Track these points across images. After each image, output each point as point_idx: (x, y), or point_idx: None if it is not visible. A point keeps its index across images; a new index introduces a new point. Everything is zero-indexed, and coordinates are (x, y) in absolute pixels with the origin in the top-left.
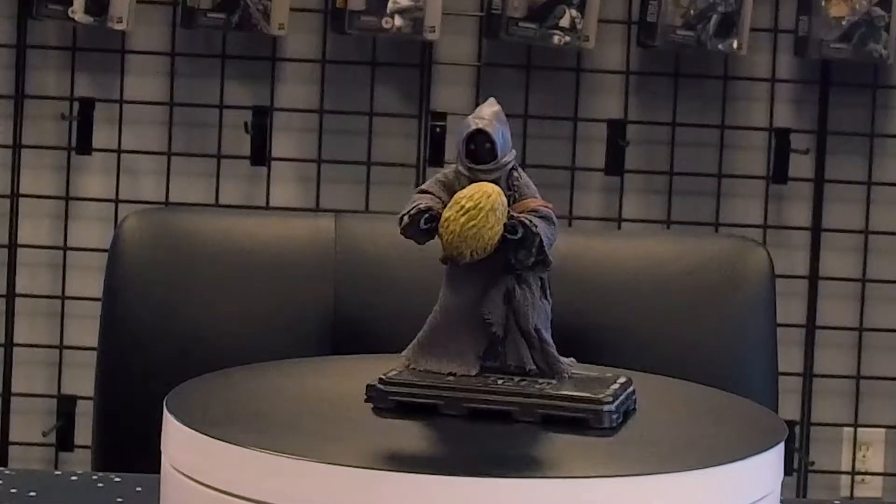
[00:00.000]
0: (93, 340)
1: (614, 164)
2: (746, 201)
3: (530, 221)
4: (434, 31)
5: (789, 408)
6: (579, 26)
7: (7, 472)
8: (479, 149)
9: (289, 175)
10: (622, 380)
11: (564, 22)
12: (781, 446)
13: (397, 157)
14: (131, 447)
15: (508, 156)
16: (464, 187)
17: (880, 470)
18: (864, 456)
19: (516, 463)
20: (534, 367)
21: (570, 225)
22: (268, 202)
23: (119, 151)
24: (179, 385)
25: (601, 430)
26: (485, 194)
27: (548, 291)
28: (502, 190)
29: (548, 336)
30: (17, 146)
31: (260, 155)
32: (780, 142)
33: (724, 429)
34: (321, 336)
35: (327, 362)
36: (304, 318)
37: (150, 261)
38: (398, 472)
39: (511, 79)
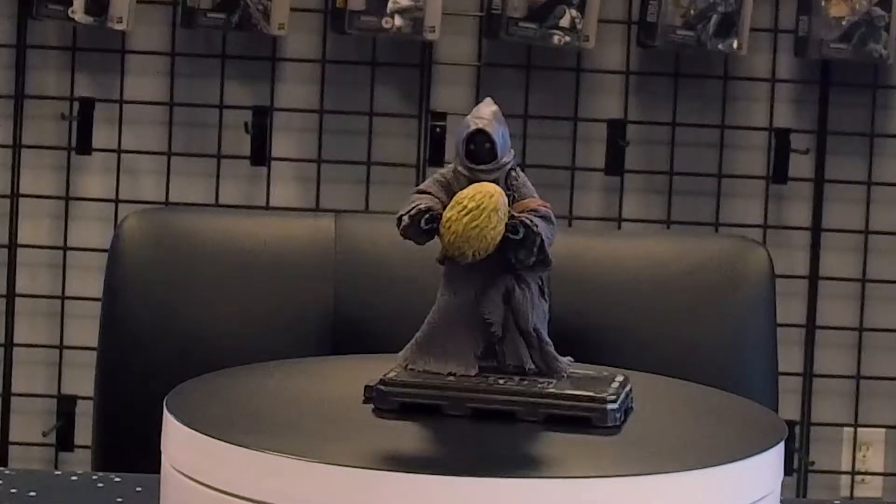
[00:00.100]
0: (93, 340)
1: (614, 164)
2: (746, 201)
3: (531, 221)
4: (434, 31)
5: (789, 408)
6: (579, 26)
7: (7, 472)
8: (479, 149)
9: (289, 175)
10: (619, 378)
11: (564, 22)
12: (781, 446)
13: (397, 157)
14: (131, 447)
15: (507, 156)
16: (463, 187)
17: (880, 470)
18: (864, 456)
19: (516, 463)
20: (533, 366)
21: (570, 225)
22: (268, 202)
23: (119, 151)
24: (179, 385)
25: (604, 430)
26: (487, 194)
27: (545, 291)
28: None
29: (546, 335)
30: (17, 146)
31: (260, 155)
32: (780, 142)
33: (724, 429)
34: (321, 336)
35: (327, 362)
36: (304, 318)
37: (150, 261)
38: (398, 472)
39: (511, 79)
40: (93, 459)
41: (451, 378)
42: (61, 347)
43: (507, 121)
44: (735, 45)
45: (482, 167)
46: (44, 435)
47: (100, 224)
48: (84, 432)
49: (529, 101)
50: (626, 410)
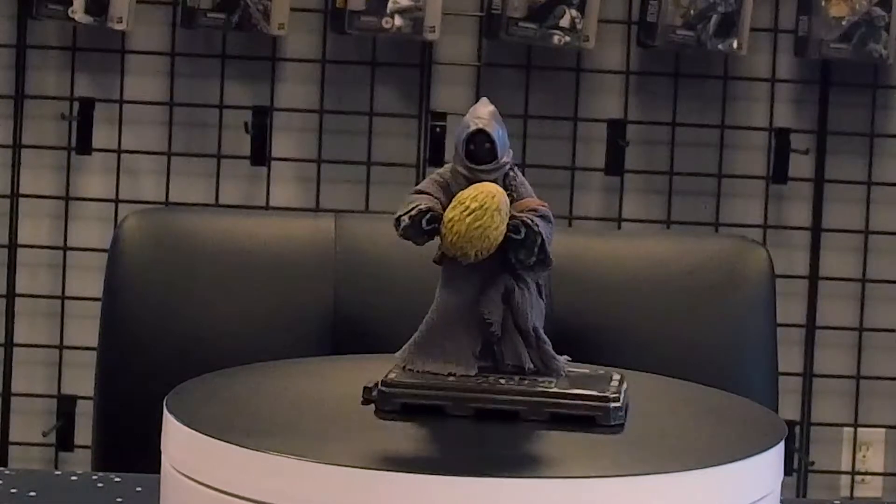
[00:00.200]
0: (93, 340)
1: (614, 164)
2: (746, 201)
3: (532, 221)
4: (434, 31)
5: (789, 408)
6: (579, 26)
7: (7, 472)
8: (479, 149)
9: (289, 175)
10: (617, 377)
11: (564, 22)
12: (781, 446)
13: (397, 157)
14: (131, 447)
15: (507, 156)
16: (462, 187)
17: (880, 470)
18: (864, 456)
19: (517, 463)
20: (531, 365)
21: (570, 225)
22: (268, 202)
23: (119, 151)
24: (179, 385)
25: (607, 428)
26: (489, 195)
27: (543, 291)
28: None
29: (544, 335)
30: (17, 146)
31: (260, 155)
32: (780, 142)
33: (724, 429)
34: (321, 336)
35: (327, 362)
36: (304, 318)
37: (150, 261)
38: (398, 472)
39: (511, 79)
40: (93, 459)
41: (452, 378)
42: (61, 347)
43: (507, 121)
44: (735, 45)
45: (483, 167)
46: (44, 435)
47: (100, 224)
48: (84, 432)
49: (529, 101)
50: (626, 409)
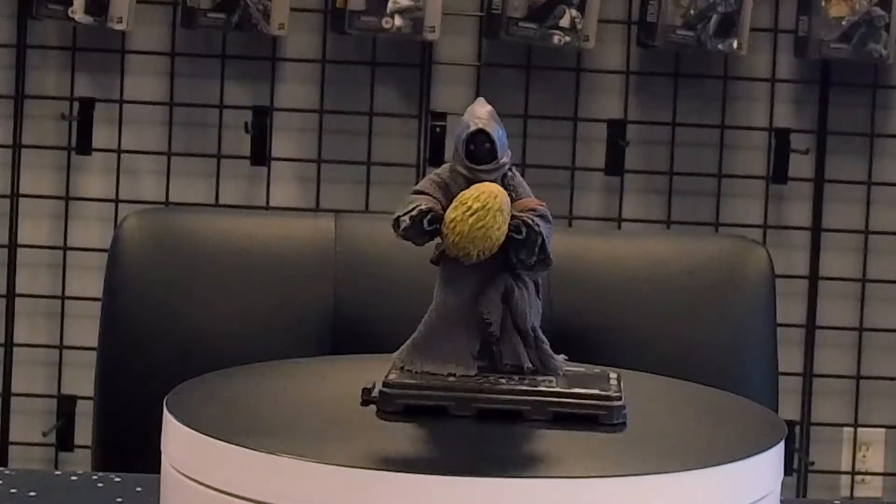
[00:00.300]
0: (93, 340)
1: (614, 164)
2: (746, 201)
3: (532, 221)
4: (434, 31)
5: (789, 408)
6: (579, 26)
7: (7, 472)
8: (479, 149)
9: (289, 175)
10: (613, 375)
11: (564, 22)
12: (781, 446)
13: (397, 157)
14: (131, 447)
15: (506, 156)
16: (461, 187)
17: (880, 470)
18: (864, 456)
19: (517, 462)
20: (530, 365)
21: (570, 225)
22: (268, 202)
23: (119, 151)
24: (179, 385)
25: (609, 427)
26: (491, 195)
27: (540, 290)
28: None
29: (542, 334)
30: (17, 146)
31: (260, 155)
32: (780, 142)
33: (724, 429)
34: (321, 336)
35: (327, 362)
36: (304, 318)
37: (150, 261)
38: (398, 472)
39: (511, 79)
40: (93, 459)
41: (452, 378)
42: (61, 347)
43: (507, 121)
44: (735, 45)
45: (483, 167)
46: (44, 435)
47: (100, 224)
48: (84, 432)
49: (529, 101)
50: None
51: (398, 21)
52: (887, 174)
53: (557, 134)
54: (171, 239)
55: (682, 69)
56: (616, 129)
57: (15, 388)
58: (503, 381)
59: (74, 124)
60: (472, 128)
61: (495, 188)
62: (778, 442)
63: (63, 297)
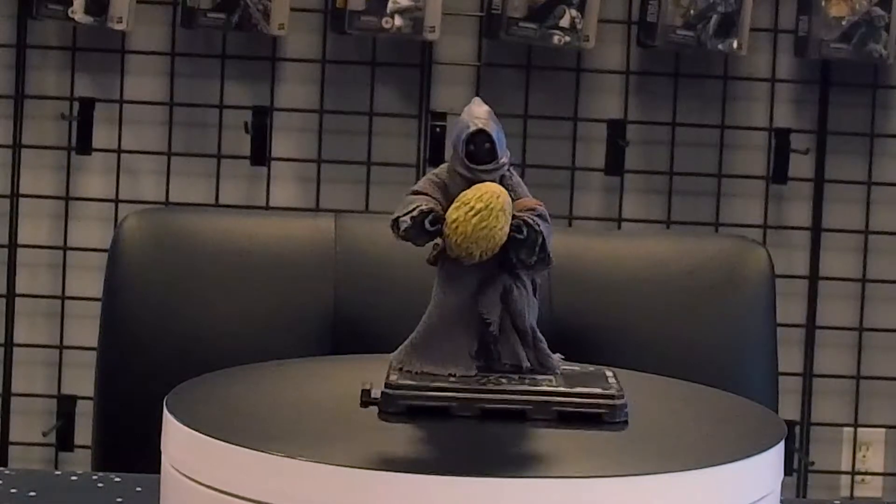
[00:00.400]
0: (93, 340)
1: (614, 164)
2: (746, 201)
3: (533, 220)
4: (434, 31)
5: (789, 408)
6: (579, 26)
7: (7, 472)
8: (479, 149)
9: (289, 175)
10: (609, 373)
11: (564, 22)
12: (781, 446)
13: (397, 157)
14: (131, 447)
15: (505, 156)
16: (460, 187)
17: (880, 470)
18: (864, 456)
19: (516, 462)
20: (528, 364)
21: (570, 225)
22: (268, 202)
23: (119, 151)
24: (179, 385)
25: (612, 426)
26: (493, 195)
27: (537, 289)
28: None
29: (540, 333)
30: (17, 146)
31: (260, 155)
32: (780, 142)
33: (724, 429)
34: (321, 336)
35: (327, 362)
36: (304, 318)
37: (150, 261)
38: (398, 472)
39: (511, 79)
40: (93, 459)
41: (453, 379)
42: (61, 347)
43: (507, 121)
44: (735, 45)
45: (484, 167)
46: (44, 435)
47: (100, 224)
48: (84, 432)
49: (529, 101)
50: None
51: (398, 21)
52: (887, 174)
53: (557, 134)
54: (171, 239)
55: (682, 69)
56: (616, 129)
57: (15, 388)
58: (504, 380)
59: (74, 124)
60: (472, 128)
61: (497, 188)
62: (778, 442)
63: (63, 297)
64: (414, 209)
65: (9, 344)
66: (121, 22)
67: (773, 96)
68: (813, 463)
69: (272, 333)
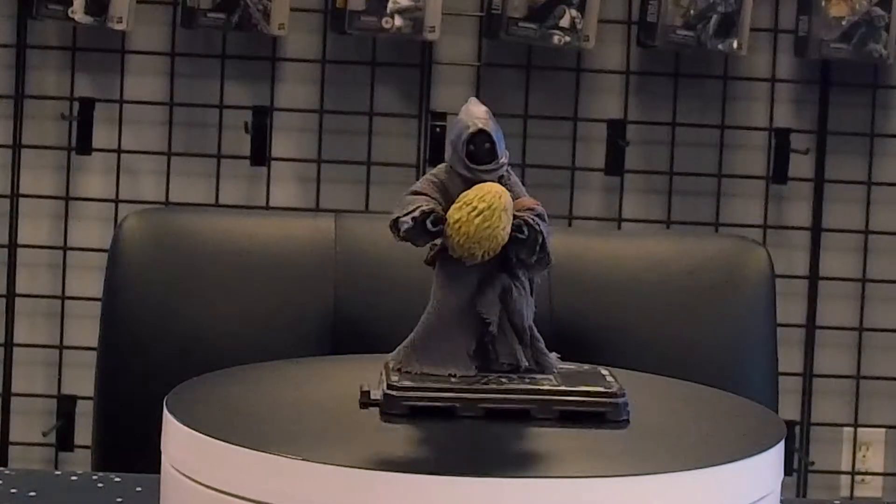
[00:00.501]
0: (93, 340)
1: (614, 164)
2: (746, 201)
3: (533, 220)
4: (434, 31)
5: (789, 408)
6: (579, 26)
7: (7, 472)
8: (479, 149)
9: (289, 175)
10: (605, 372)
11: (564, 22)
12: (781, 446)
13: (397, 157)
14: (131, 447)
15: (504, 155)
16: (459, 188)
17: (880, 470)
18: (864, 456)
19: (517, 462)
20: (526, 363)
21: (570, 225)
22: (268, 202)
23: (119, 151)
24: (179, 385)
25: (615, 424)
26: (496, 195)
27: (534, 288)
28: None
29: (537, 332)
30: (17, 146)
31: (260, 155)
32: (780, 142)
33: (724, 429)
34: (321, 336)
35: (327, 362)
36: (304, 318)
37: (150, 261)
38: (398, 472)
39: (511, 79)
40: (93, 459)
41: (454, 379)
42: (61, 347)
43: (507, 121)
44: (735, 45)
45: (485, 167)
46: (44, 435)
47: (100, 224)
48: (84, 432)
49: (529, 101)
50: None
51: (398, 21)
52: (887, 174)
53: (557, 134)
54: (171, 239)
55: (682, 69)
56: (616, 129)
57: (15, 388)
58: (504, 380)
59: (74, 124)
60: (473, 128)
61: (499, 188)
62: (778, 442)
63: (63, 297)
64: (415, 209)
65: (9, 344)
66: (121, 22)
67: (773, 96)
68: (813, 463)
69: (272, 333)
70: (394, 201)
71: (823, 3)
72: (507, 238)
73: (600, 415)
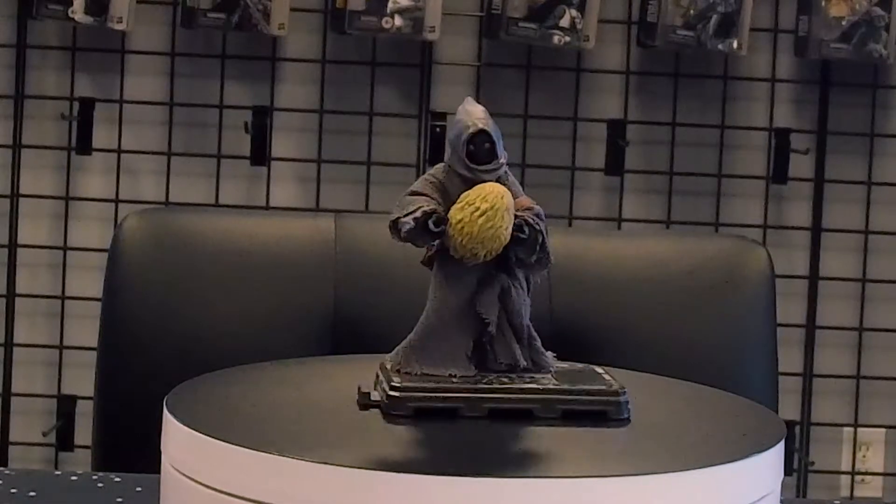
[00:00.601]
0: (93, 340)
1: (614, 164)
2: (746, 201)
3: (533, 220)
4: (434, 31)
5: (789, 408)
6: (579, 26)
7: (7, 472)
8: (479, 149)
9: (289, 175)
10: (600, 370)
11: (564, 22)
12: (781, 446)
13: (397, 157)
14: (131, 447)
15: (504, 155)
16: (458, 188)
17: (880, 470)
18: (864, 456)
19: (517, 462)
20: (525, 363)
21: (570, 225)
22: (268, 202)
23: (119, 151)
24: (179, 385)
25: (617, 423)
26: (498, 195)
27: (531, 288)
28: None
29: (534, 332)
30: (17, 146)
31: (260, 155)
32: (780, 142)
33: (724, 429)
34: (321, 336)
35: (327, 362)
36: (304, 318)
37: (150, 261)
38: (398, 472)
39: (511, 79)
40: (93, 459)
41: (456, 380)
42: (61, 347)
43: (507, 121)
44: (735, 45)
45: (485, 167)
46: (44, 435)
47: (100, 224)
48: (84, 432)
49: (529, 101)
50: None
51: (398, 21)
52: (887, 174)
53: (557, 134)
54: (171, 239)
55: (682, 69)
56: (616, 129)
57: (15, 388)
58: (505, 380)
59: (74, 124)
60: (473, 128)
61: (501, 188)
62: (778, 442)
63: (63, 297)
64: (416, 210)
65: (9, 344)
66: (121, 22)
67: (773, 96)
68: (813, 463)
69: (272, 333)
70: (394, 201)
71: (823, 3)
72: (508, 238)
73: (602, 413)
